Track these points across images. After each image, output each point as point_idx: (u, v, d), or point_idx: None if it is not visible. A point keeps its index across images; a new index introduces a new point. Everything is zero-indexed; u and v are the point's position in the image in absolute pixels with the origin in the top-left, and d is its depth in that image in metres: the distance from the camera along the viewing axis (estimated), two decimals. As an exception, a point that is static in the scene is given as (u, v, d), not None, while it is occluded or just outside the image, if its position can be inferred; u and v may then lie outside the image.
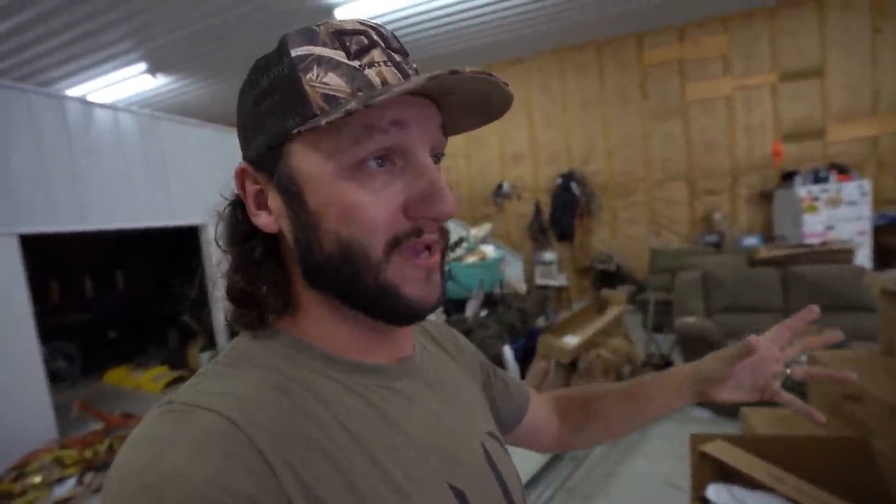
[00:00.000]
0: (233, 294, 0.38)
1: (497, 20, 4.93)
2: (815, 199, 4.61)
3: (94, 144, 3.40)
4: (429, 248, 0.36)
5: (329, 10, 4.20)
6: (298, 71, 0.34)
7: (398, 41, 0.38)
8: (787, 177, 4.95)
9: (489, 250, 3.99)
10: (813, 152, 5.04)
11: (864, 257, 4.47)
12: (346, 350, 0.38)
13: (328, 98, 0.33)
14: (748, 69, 5.20)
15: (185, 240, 4.01)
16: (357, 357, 0.38)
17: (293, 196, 0.35)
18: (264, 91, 0.35)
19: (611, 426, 0.62)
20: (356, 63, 0.34)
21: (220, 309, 0.43)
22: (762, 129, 5.23)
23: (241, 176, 0.38)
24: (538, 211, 6.05)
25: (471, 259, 3.90)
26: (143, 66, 4.96)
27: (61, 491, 2.31)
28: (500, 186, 6.25)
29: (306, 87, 0.33)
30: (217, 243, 0.40)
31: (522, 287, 4.68)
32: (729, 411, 2.53)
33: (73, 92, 5.13)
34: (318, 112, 0.33)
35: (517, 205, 6.31)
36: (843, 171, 4.69)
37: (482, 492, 0.40)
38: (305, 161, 0.34)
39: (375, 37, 0.35)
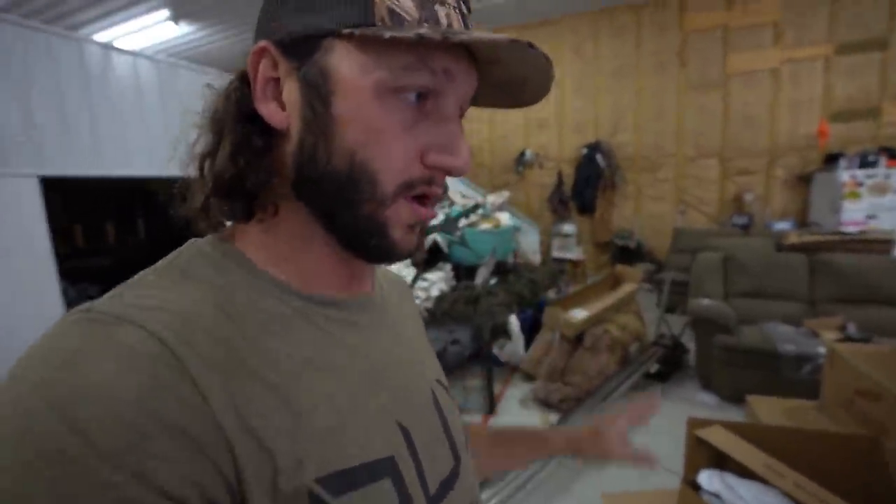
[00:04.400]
0: (222, 179, 0.34)
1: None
2: (859, 184, 4.30)
3: (113, 90, 3.40)
4: (429, 199, 0.35)
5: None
6: None
7: None
8: (831, 159, 4.62)
9: (504, 218, 3.90)
10: (862, 134, 4.67)
11: (904, 250, 4.19)
12: (307, 278, 0.36)
13: (393, 14, 0.31)
14: (801, 39, 4.78)
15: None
16: (317, 289, 0.36)
17: (319, 94, 0.32)
18: None
19: (480, 465, 0.63)
20: None
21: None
22: (809, 107, 4.86)
23: (258, 55, 0.33)
24: (560, 182, 5.87)
25: (485, 226, 3.82)
26: (165, 12, 4.89)
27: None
28: (522, 154, 6.06)
29: None
30: (206, 117, 0.36)
31: (537, 258, 4.59)
32: (735, 398, 2.46)
33: (98, 38, 5.12)
34: (380, 23, 0.30)
35: (539, 174, 6.12)
36: (894, 155, 4.34)
37: (426, 432, 0.39)
38: (347, 63, 0.31)
39: None
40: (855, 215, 4.31)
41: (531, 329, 3.18)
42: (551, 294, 3.77)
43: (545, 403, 2.57)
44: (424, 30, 0.29)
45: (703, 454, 1.51)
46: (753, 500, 1.35)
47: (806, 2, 4.70)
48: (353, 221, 0.34)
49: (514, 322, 2.98)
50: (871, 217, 4.29)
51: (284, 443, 0.29)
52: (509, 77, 0.35)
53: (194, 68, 3.98)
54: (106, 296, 0.30)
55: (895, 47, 4.47)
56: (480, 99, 0.38)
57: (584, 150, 5.65)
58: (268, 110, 0.33)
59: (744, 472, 1.38)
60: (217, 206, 0.35)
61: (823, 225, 4.47)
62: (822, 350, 2.29)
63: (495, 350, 2.94)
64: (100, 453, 0.22)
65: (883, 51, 4.51)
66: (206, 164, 0.35)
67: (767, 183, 5.13)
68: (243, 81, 0.35)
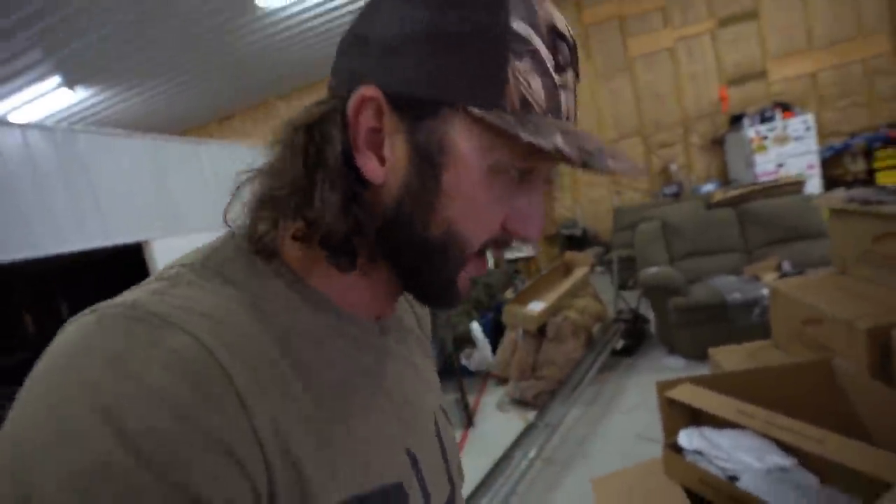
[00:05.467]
0: (336, 234, 0.32)
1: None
2: (764, 138, 4.67)
3: (4, 168, 3.10)
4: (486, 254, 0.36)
5: (249, -3, 3.94)
6: (511, 51, 0.29)
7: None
8: (736, 120, 5.00)
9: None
10: (757, 94, 5.10)
11: (814, 188, 4.56)
12: (347, 302, 0.36)
13: (525, 102, 0.30)
14: (686, 19, 5.20)
15: (133, 259, 3.76)
16: (353, 311, 0.36)
17: (431, 164, 0.31)
18: (455, 30, 0.29)
19: None
20: (557, 78, 0.31)
21: None
22: (706, 77, 5.26)
23: (363, 102, 0.31)
24: (498, 185, 5.97)
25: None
26: (57, 78, 4.59)
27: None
28: (457, 165, 6.14)
29: (510, 75, 0.29)
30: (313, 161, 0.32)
31: (489, 262, 4.60)
32: (699, 355, 2.51)
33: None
34: (510, 109, 0.29)
35: (477, 182, 6.21)
36: (787, 108, 4.76)
37: (430, 459, 0.40)
38: (467, 143, 0.30)
39: (572, 52, 0.33)
40: (766, 167, 4.66)
41: (494, 333, 3.14)
42: (508, 294, 3.76)
43: (521, 402, 2.52)
44: (561, 143, 0.28)
45: (679, 415, 1.50)
46: (732, 447, 1.35)
47: (683, -16, 5.14)
48: (434, 281, 0.34)
49: (476, 329, 2.93)
50: (780, 165, 4.66)
51: (314, 466, 0.28)
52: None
53: (93, 131, 3.73)
54: (145, 290, 0.28)
55: (765, 16, 4.97)
56: None
57: (515, 151, 5.80)
58: (371, 166, 0.32)
59: (719, 423, 1.38)
60: (314, 255, 0.34)
61: (742, 180, 4.80)
62: (765, 292, 2.40)
63: (463, 360, 2.87)
64: (146, 465, 0.22)
65: (756, 20, 4.98)
66: (296, 206, 0.32)
67: (687, 151, 5.46)
68: (344, 122, 0.32)
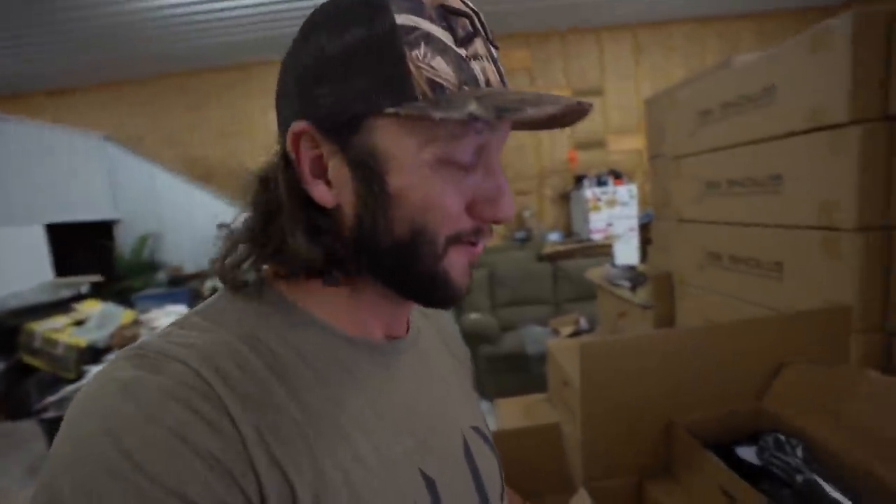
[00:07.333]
0: (318, 263, 0.35)
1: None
2: (598, 199, 5.34)
3: None
4: (476, 242, 0.37)
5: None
6: (403, 44, 0.31)
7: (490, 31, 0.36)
8: (579, 180, 5.66)
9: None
10: (598, 160, 5.85)
11: (633, 249, 5.31)
12: (342, 322, 0.38)
13: (434, 84, 0.31)
14: (548, 83, 5.80)
15: None
16: (349, 331, 0.38)
17: (372, 174, 0.33)
18: (352, 49, 0.32)
19: None
20: (462, 51, 0.33)
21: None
22: (560, 137, 5.90)
23: (298, 138, 0.34)
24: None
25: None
26: None
27: None
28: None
29: (411, 66, 0.31)
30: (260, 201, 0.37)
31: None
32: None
33: None
34: (421, 97, 0.31)
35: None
36: (618, 176, 5.53)
37: (453, 483, 0.39)
38: (395, 144, 0.32)
39: (478, 24, 0.34)
40: (599, 224, 5.33)
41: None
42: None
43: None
44: (474, 107, 0.29)
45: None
46: None
47: (546, 55, 5.77)
48: (420, 277, 0.35)
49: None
50: (609, 225, 5.36)
51: (303, 477, 0.30)
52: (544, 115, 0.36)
53: None
54: (155, 334, 0.32)
55: (608, 94, 5.77)
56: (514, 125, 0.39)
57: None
58: (318, 192, 0.34)
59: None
60: (306, 288, 0.37)
61: (581, 233, 5.41)
62: (544, 349, 2.65)
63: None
64: (145, 473, 0.25)
65: (601, 96, 5.76)
66: (273, 252, 0.36)
67: (540, 201, 6.02)
68: (286, 162, 0.35)
